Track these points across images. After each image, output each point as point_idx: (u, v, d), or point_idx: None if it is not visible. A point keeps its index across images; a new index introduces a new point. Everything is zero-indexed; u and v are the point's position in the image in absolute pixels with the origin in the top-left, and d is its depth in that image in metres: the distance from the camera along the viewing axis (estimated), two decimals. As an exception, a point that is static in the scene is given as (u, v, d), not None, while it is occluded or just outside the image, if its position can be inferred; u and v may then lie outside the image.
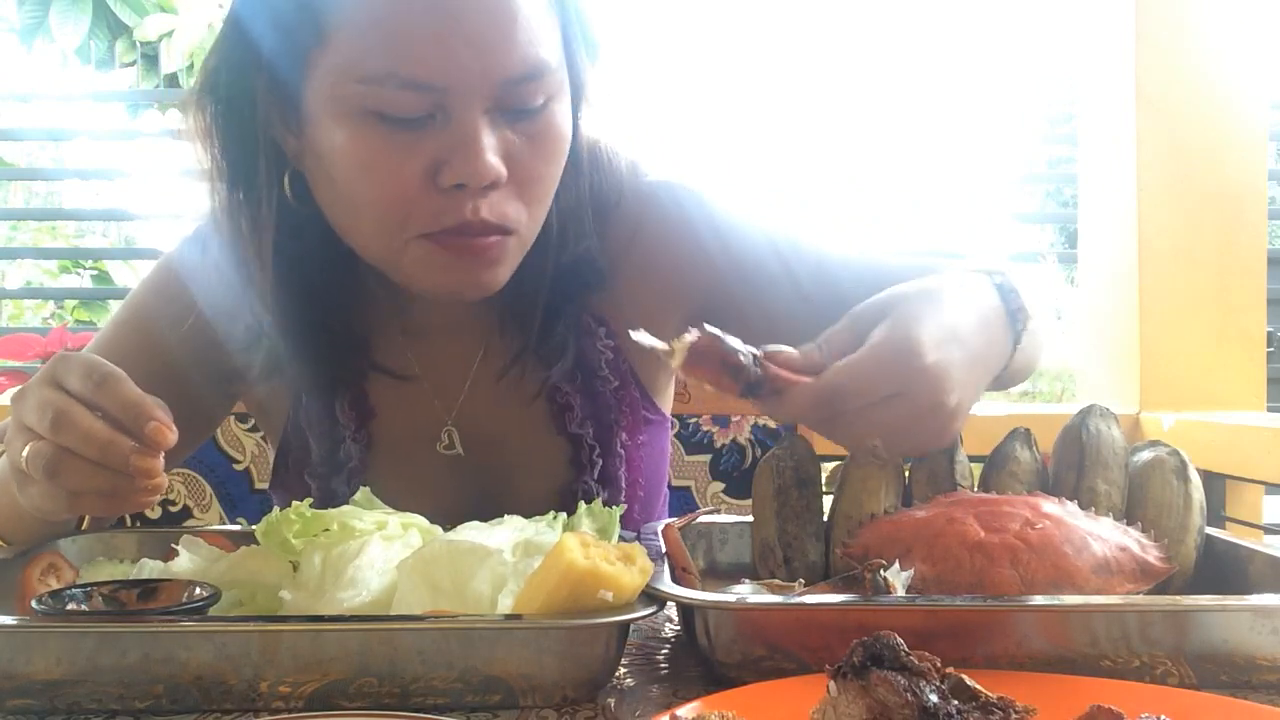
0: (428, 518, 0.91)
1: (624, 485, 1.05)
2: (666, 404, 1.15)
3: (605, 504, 0.90)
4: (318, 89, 0.85)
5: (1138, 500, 0.83)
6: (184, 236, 1.11)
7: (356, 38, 0.82)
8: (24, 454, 0.74)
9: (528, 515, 0.96)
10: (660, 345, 0.72)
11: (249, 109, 0.90)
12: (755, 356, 0.72)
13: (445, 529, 0.81)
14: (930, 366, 0.72)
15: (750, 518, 0.88)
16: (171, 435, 0.73)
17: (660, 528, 0.83)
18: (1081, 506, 0.80)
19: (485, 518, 1.00)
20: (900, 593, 0.69)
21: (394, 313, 1.04)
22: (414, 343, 1.05)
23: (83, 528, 0.93)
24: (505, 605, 0.69)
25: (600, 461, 1.03)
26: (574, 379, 1.03)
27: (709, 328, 0.71)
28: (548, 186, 0.92)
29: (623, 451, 1.05)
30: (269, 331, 0.99)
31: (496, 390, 1.03)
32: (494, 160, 0.84)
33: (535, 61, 0.85)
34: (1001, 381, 0.87)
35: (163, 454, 0.74)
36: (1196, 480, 0.83)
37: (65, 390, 0.74)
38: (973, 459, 0.89)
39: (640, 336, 0.73)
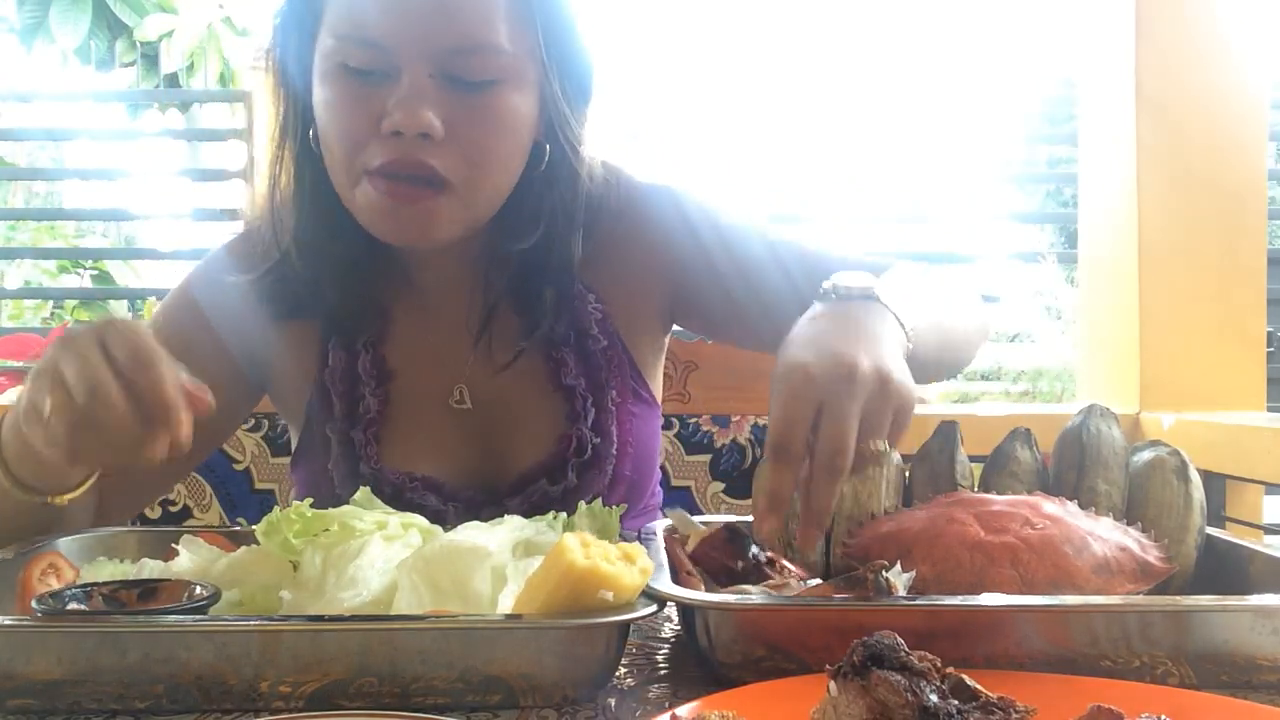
0: (442, 468, 1.03)
1: (615, 439, 1.11)
2: (656, 387, 1.22)
3: (598, 456, 1.07)
4: (320, 44, 1.01)
5: (1138, 500, 0.83)
6: (210, 253, 1.21)
7: (339, 4, 0.99)
8: (48, 403, 0.77)
9: (531, 457, 1.07)
10: (693, 527, 0.81)
11: (291, 65, 1.05)
12: (759, 560, 0.76)
13: (447, 526, 0.81)
14: (811, 364, 0.73)
15: (750, 518, 0.88)
16: (188, 444, 0.78)
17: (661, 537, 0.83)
18: (1082, 506, 0.80)
19: (490, 467, 1.10)
20: (902, 594, 0.69)
21: (406, 281, 1.14)
22: (427, 308, 1.15)
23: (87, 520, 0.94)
24: (505, 605, 0.69)
25: (593, 412, 1.11)
26: (568, 340, 1.12)
27: (733, 525, 0.78)
28: (490, 155, 1.00)
29: (613, 409, 1.12)
30: (280, 264, 1.10)
31: (499, 352, 1.12)
32: (426, 113, 0.95)
33: (477, 38, 0.97)
34: (925, 367, 0.87)
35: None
36: (1197, 480, 0.83)
37: (110, 359, 0.77)
38: (973, 459, 0.89)
39: (675, 515, 0.84)
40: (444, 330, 1.14)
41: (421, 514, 0.83)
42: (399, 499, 1.06)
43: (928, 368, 0.91)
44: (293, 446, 1.22)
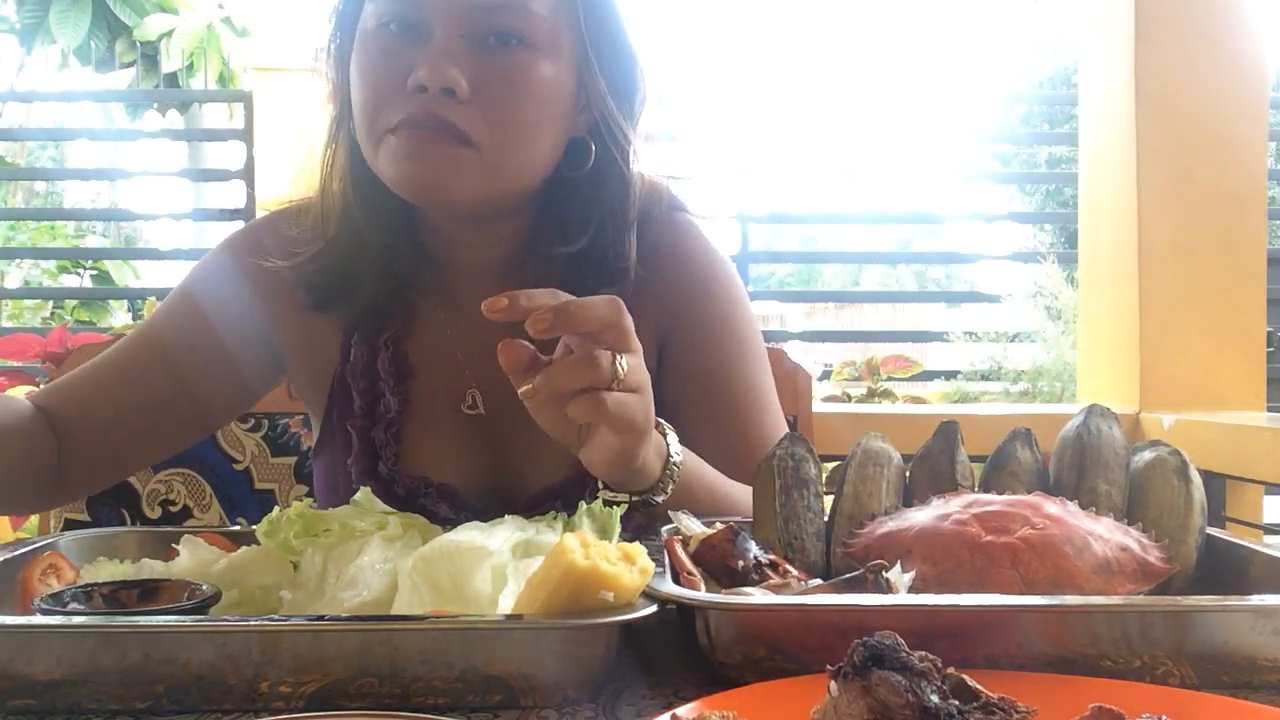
0: (459, 475, 1.03)
1: None
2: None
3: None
4: (363, 19, 1.02)
5: (1138, 500, 0.83)
6: (254, 222, 1.21)
7: None
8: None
9: (546, 477, 1.06)
10: (696, 530, 0.80)
11: (347, 42, 1.05)
12: (759, 561, 0.76)
13: (450, 526, 0.81)
14: None
15: (750, 518, 0.88)
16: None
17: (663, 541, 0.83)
18: (1082, 507, 0.80)
19: (506, 480, 1.09)
20: (902, 594, 0.69)
21: (435, 280, 1.13)
22: (450, 310, 1.13)
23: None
24: (505, 605, 0.69)
25: None
26: None
27: (734, 525, 0.79)
28: (515, 119, 0.99)
29: None
30: (324, 252, 1.09)
31: None
32: (451, 70, 0.96)
33: None
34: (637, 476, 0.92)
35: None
36: (1197, 480, 0.83)
37: None
38: (974, 459, 0.89)
39: (676, 515, 0.84)
40: (468, 332, 1.13)
41: (433, 522, 0.83)
42: (412, 504, 1.06)
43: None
44: (314, 435, 1.22)
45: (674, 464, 0.93)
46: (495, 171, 1.00)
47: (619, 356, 0.83)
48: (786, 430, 1.16)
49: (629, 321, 0.85)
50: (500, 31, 0.98)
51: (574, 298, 0.83)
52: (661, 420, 0.95)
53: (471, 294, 1.12)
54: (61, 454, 1.08)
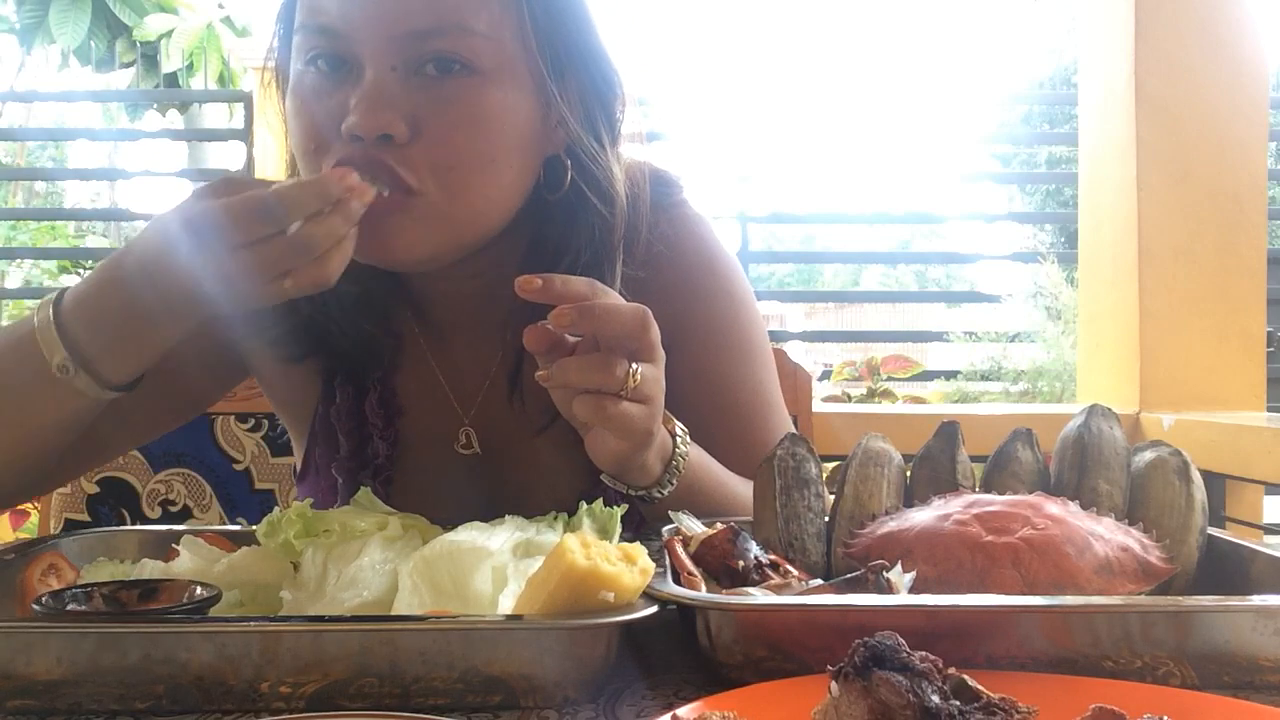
0: (451, 516, 0.93)
1: None
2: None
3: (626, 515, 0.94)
4: (293, 51, 0.93)
5: (1139, 500, 0.83)
6: None
7: None
8: (242, 231, 0.77)
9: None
10: (696, 530, 0.80)
11: (285, 78, 0.98)
12: (760, 561, 0.76)
13: (449, 526, 0.81)
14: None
15: (751, 518, 0.88)
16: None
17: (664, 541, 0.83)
18: (1083, 507, 0.80)
19: (509, 510, 1.02)
20: (903, 594, 0.69)
21: (417, 314, 1.07)
22: (435, 344, 1.08)
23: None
24: (506, 606, 0.69)
25: None
26: None
27: (734, 525, 0.78)
28: (464, 157, 0.90)
29: None
30: (306, 308, 1.02)
31: (514, 393, 1.05)
32: (385, 112, 0.86)
33: (440, 19, 0.87)
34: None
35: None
36: (1198, 480, 0.83)
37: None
38: (974, 459, 0.89)
39: (677, 516, 0.84)
40: (455, 368, 1.07)
41: None
42: None
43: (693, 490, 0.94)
44: (295, 453, 1.18)
45: (676, 465, 0.92)
46: (445, 218, 0.91)
47: (635, 365, 0.82)
48: (791, 428, 1.15)
49: (654, 334, 0.83)
50: (438, 58, 0.88)
51: (604, 298, 0.82)
52: (671, 415, 0.93)
53: (455, 324, 1.07)
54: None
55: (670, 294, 1.07)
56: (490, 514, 0.99)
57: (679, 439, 0.93)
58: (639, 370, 0.82)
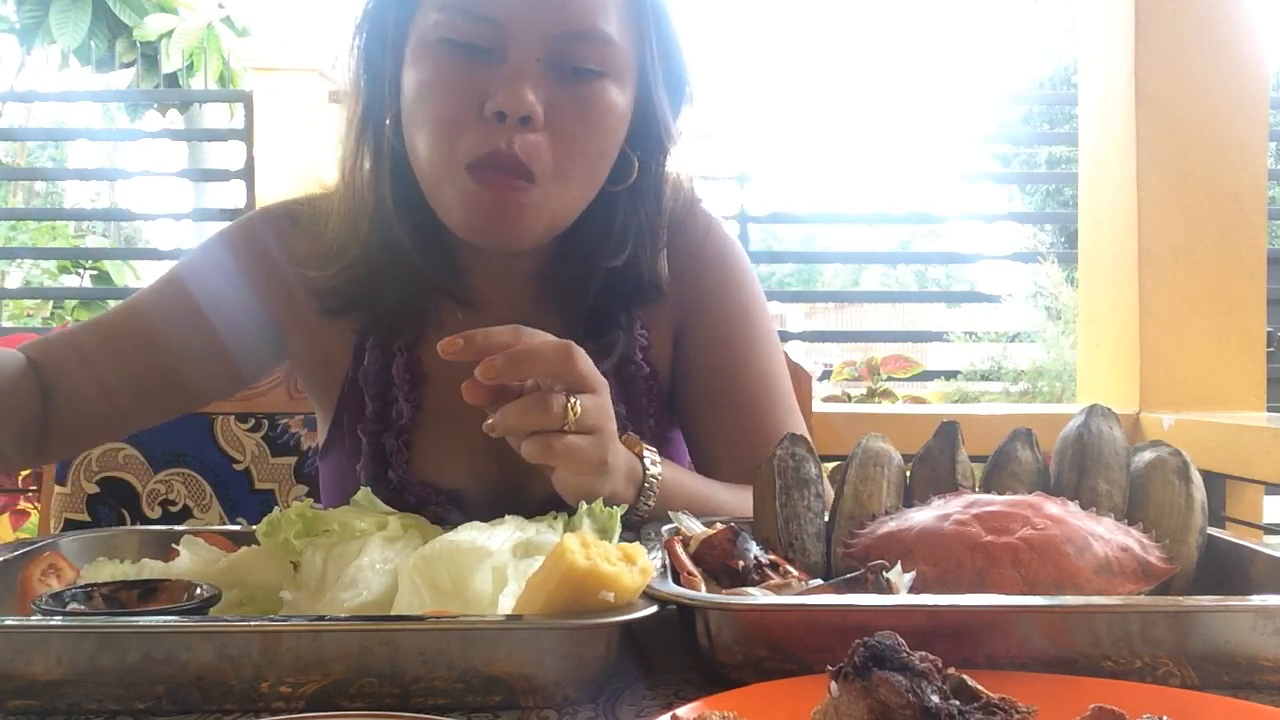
0: (470, 483, 0.99)
1: None
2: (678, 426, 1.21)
3: None
4: (417, 23, 0.97)
5: (1139, 500, 0.83)
6: (237, 225, 1.17)
7: None
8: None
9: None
10: (696, 530, 0.81)
11: (378, 48, 1.02)
12: (760, 561, 0.76)
13: (450, 526, 0.81)
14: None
15: (751, 518, 0.88)
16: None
17: (663, 541, 0.83)
18: (1083, 507, 0.80)
19: (519, 487, 1.06)
20: (903, 594, 0.69)
21: (454, 284, 1.11)
22: (469, 318, 1.11)
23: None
24: (506, 606, 0.69)
25: None
26: (612, 365, 1.10)
27: (734, 525, 0.79)
28: (583, 150, 0.97)
29: (650, 438, 1.10)
30: (357, 260, 1.06)
31: None
32: (530, 97, 0.92)
33: (591, 25, 0.94)
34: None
35: None
36: (1198, 480, 0.83)
37: None
38: (974, 459, 0.89)
39: (677, 516, 0.86)
40: None
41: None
42: (422, 510, 1.04)
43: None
44: (320, 430, 1.20)
45: (649, 486, 0.95)
46: (555, 206, 0.98)
47: (574, 399, 0.85)
48: (800, 421, 1.16)
49: (583, 365, 0.86)
50: (578, 59, 0.95)
51: (529, 341, 0.84)
52: (636, 438, 0.97)
53: (497, 301, 1.11)
54: (46, 408, 1.04)
55: (689, 286, 1.13)
56: (502, 478, 1.07)
57: (648, 460, 0.96)
58: (578, 403, 0.85)
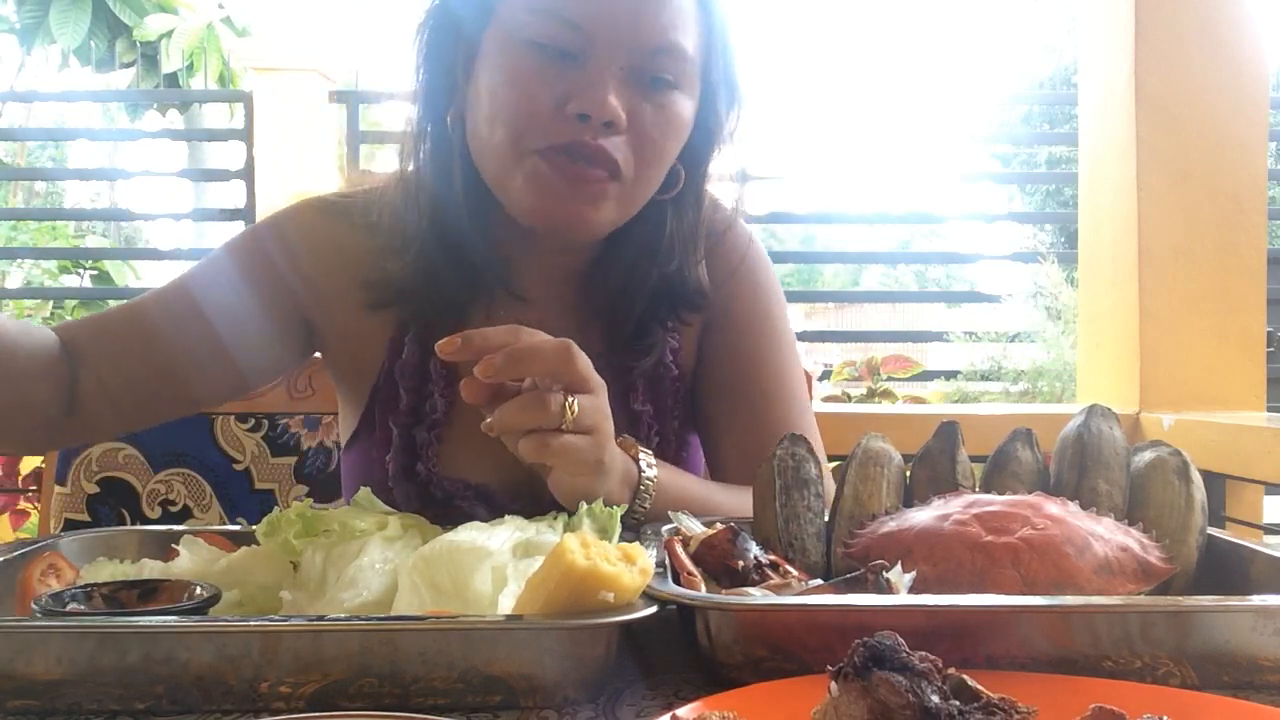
0: (497, 480, 1.00)
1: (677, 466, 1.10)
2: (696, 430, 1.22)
3: None
4: (496, 23, 1.00)
5: (1139, 500, 0.83)
6: (291, 210, 1.16)
7: None
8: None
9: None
10: (696, 531, 0.82)
11: (446, 45, 1.04)
12: (760, 561, 0.77)
13: (446, 529, 0.81)
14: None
15: (750, 518, 0.88)
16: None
17: (663, 541, 0.83)
18: (1083, 507, 0.80)
19: (545, 484, 1.03)
20: (903, 594, 0.69)
21: (498, 280, 1.11)
22: (518, 310, 1.12)
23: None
24: (505, 606, 0.69)
25: (656, 440, 1.11)
26: (643, 365, 1.12)
27: (734, 525, 0.79)
28: (659, 156, 1.01)
29: (674, 439, 1.13)
30: (412, 253, 1.07)
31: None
32: (614, 103, 0.95)
33: (672, 40, 0.98)
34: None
35: None
36: (1198, 480, 0.83)
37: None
38: (974, 459, 0.89)
39: (677, 516, 0.86)
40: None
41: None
42: (449, 505, 1.06)
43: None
44: (342, 422, 1.20)
45: (645, 489, 0.96)
46: (626, 206, 1.02)
47: (571, 398, 0.85)
48: (813, 425, 1.18)
49: (582, 365, 0.86)
50: (657, 71, 0.98)
51: (527, 340, 0.85)
52: (633, 441, 0.98)
53: (545, 298, 1.13)
54: (72, 389, 1.04)
55: (714, 285, 1.16)
56: (531, 487, 1.06)
57: (643, 463, 0.97)
58: (575, 402, 0.85)
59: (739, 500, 0.99)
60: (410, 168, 1.08)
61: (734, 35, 1.06)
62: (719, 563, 0.75)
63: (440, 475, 1.08)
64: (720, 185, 1.16)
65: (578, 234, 1.02)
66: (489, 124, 0.99)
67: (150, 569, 0.80)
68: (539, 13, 0.96)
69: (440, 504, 1.06)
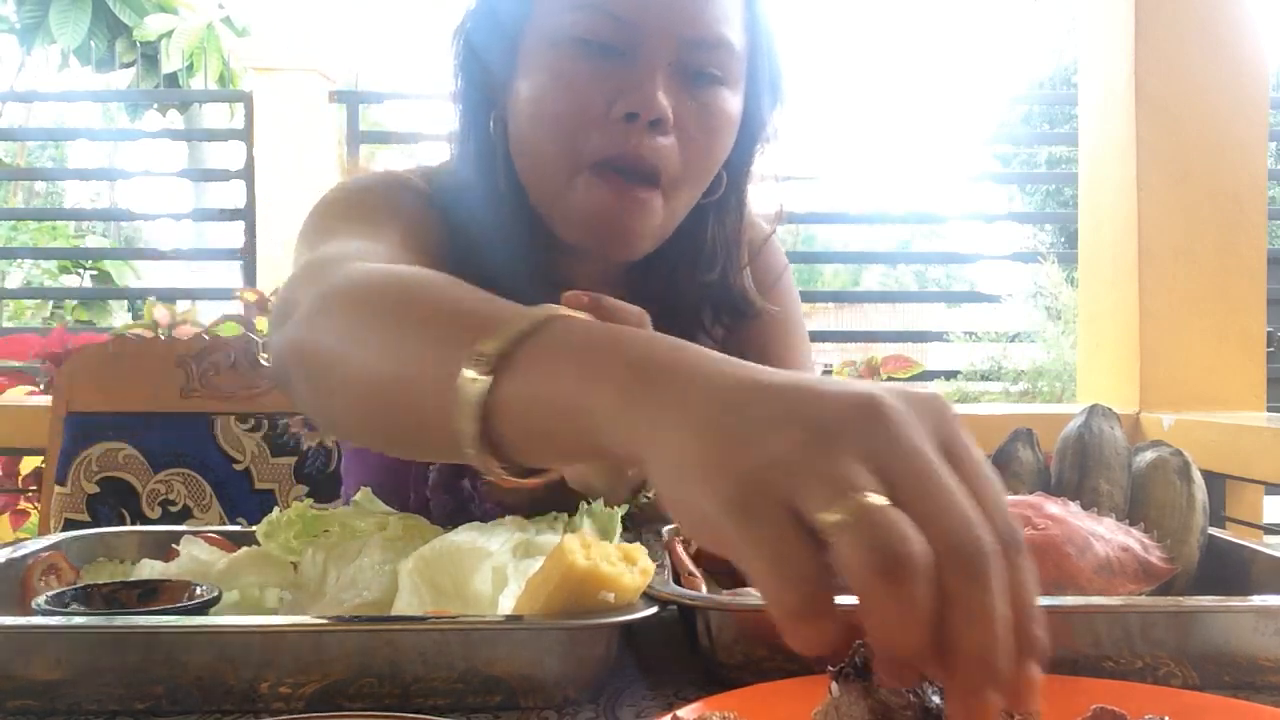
0: (527, 500, 0.93)
1: None
2: None
3: None
4: (537, 22, 0.97)
5: (1140, 500, 0.83)
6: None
7: None
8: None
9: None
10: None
11: (487, 47, 1.01)
12: None
13: (446, 529, 0.81)
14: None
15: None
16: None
17: (664, 541, 0.83)
18: (1084, 507, 0.80)
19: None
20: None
21: (542, 282, 1.07)
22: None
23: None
24: (506, 606, 0.68)
25: None
26: None
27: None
28: (704, 158, 0.98)
29: None
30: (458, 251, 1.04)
31: None
32: (662, 100, 0.92)
33: (720, 34, 0.95)
34: None
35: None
36: (1199, 480, 0.83)
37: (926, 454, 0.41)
38: (974, 459, 0.89)
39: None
40: None
41: None
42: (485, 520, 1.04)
43: None
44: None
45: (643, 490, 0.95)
46: (670, 214, 0.99)
47: None
48: None
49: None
50: (704, 66, 0.95)
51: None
52: None
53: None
54: None
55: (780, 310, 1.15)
56: (564, 489, 1.00)
57: None
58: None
59: None
60: (454, 168, 1.05)
61: (778, 31, 1.03)
62: (721, 563, 0.75)
63: (484, 495, 1.05)
64: (760, 188, 1.14)
65: (621, 256, 1.00)
66: (537, 130, 0.97)
67: (150, 569, 0.80)
68: (587, 8, 0.93)
69: (477, 518, 1.04)
